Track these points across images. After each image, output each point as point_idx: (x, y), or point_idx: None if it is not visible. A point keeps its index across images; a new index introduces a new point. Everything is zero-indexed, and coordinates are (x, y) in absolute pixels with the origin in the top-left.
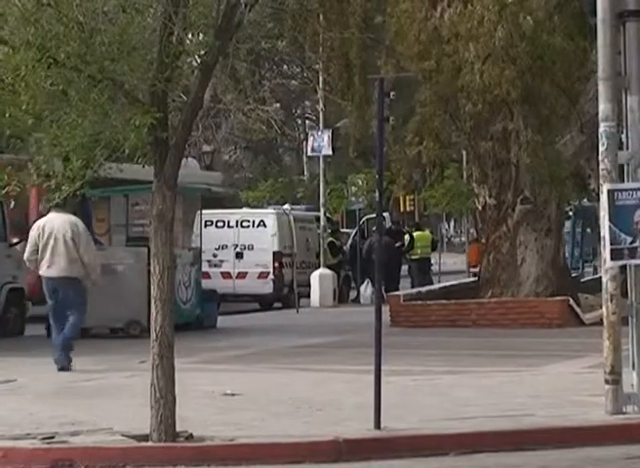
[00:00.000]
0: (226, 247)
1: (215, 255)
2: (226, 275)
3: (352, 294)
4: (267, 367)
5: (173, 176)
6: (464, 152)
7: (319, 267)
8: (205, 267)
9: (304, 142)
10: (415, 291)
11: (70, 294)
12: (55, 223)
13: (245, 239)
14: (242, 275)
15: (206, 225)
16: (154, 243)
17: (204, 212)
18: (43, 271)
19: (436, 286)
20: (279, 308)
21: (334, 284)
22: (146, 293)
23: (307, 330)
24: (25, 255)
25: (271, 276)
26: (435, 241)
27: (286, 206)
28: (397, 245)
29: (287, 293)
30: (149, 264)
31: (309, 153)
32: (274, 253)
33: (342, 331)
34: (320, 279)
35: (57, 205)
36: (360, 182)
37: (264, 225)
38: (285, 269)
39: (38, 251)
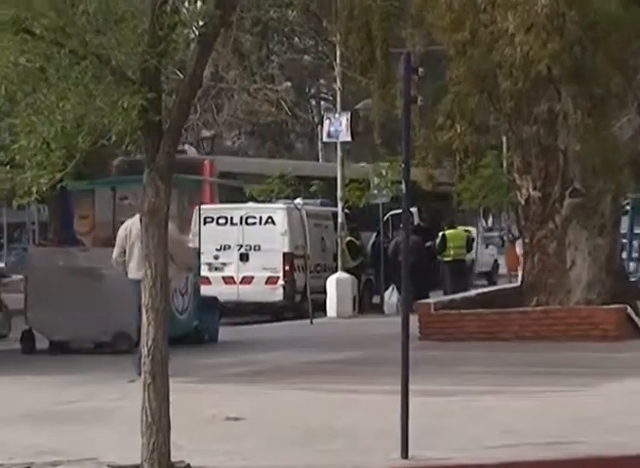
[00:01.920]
0: (229, 247)
1: (216, 257)
2: (229, 280)
3: (375, 302)
4: (276, 387)
5: (167, 166)
6: (504, 138)
7: (336, 271)
8: (204, 271)
9: (319, 127)
10: (448, 298)
11: (138, 297)
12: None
13: (250, 238)
14: (247, 280)
15: (205, 222)
16: (146, 243)
17: (203, 207)
18: (130, 273)
19: (473, 292)
20: (290, 319)
21: (353, 290)
22: (137, 302)
23: (323, 343)
24: (113, 257)
25: (281, 281)
26: (471, 240)
27: (298, 200)
28: (427, 245)
29: (299, 302)
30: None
31: (325, 139)
32: (284, 254)
33: (364, 346)
34: (338, 284)
35: None
36: (384, 172)
37: (273, 222)
38: (297, 273)
39: (125, 252)
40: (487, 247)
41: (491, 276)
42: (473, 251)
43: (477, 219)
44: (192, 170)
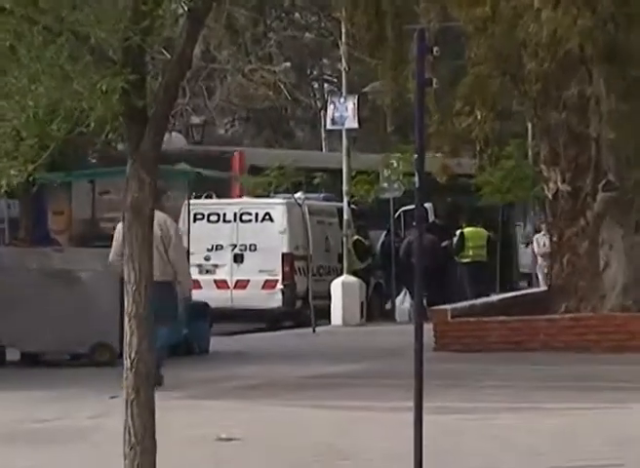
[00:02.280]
0: (222, 247)
1: (207, 259)
2: (222, 284)
3: (386, 308)
4: (274, 403)
5: (152, 157)
6: (529, 125)
7: (342, 274)
8: (194, 274)
9: (322, 112)
10: (466, 304)
11: (157, 301)
12: None
13: (246, 237)
14: (242, 284)
15: (195, 219)
16: (129, 242)
17: (193, 202)
18: None
19: (494, 297)
20: (290, 327)
21: (361, 295)
22: (119, 309)
23: (327, 355)
24: (110, 259)
25: (280, 285)
26: (493, 240)
27: (299, 194)
28: (443, 244)
29: (300, 308)
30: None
31: (329, 126)
32: (284, 255)
33: (372, 357)
34: (344, 289)
35: None
36: (395, 163)
37: (271, 219)
38: (298, 276)
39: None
40: (527, 246)
41: (532, 278)
42: (517, 250)
43: (524, 215)
44: (219, 163)
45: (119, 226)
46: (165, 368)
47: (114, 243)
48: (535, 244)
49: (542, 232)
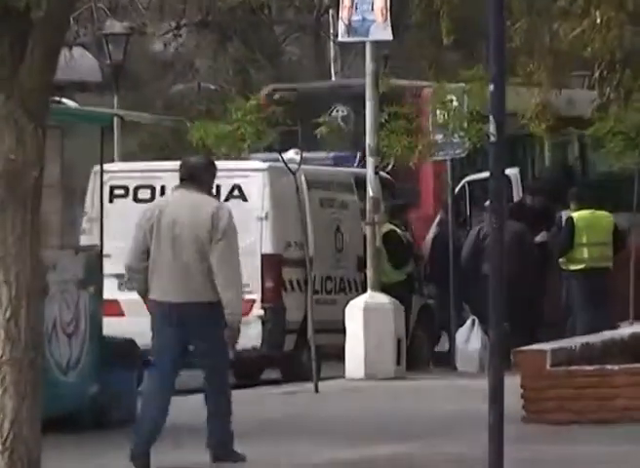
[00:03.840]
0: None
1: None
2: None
3: (440, 349)
4: None
5: (39, 88)
6: None
7: (365, 290)
8: (111, 290)
9: (329, 14)
10: (578, 342)
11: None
12: None
13: None
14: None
15: (112, 198)
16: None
17: (109, 167)
18: (155, 294)
19: (626, 331)
20: (276, 382)
21: (398, 327)
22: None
23: (338, 433)
24: (127, 263)
25: (258, 310)
26: (624, 232)
27: (291, 153)
28: (538, 239)
29: (293, 349)
30: None
31: (342, 38)
32: (265, 257)
33: (413, 435)
34: (367, 316)
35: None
36: (455, 100)
37: (242, 196)
38: (289, 294)
39: (149, 257)
40: None
41: None
42: None
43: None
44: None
45: (141, 216)
46: (49, 451)
47: (132, 242)
48: None
49: None
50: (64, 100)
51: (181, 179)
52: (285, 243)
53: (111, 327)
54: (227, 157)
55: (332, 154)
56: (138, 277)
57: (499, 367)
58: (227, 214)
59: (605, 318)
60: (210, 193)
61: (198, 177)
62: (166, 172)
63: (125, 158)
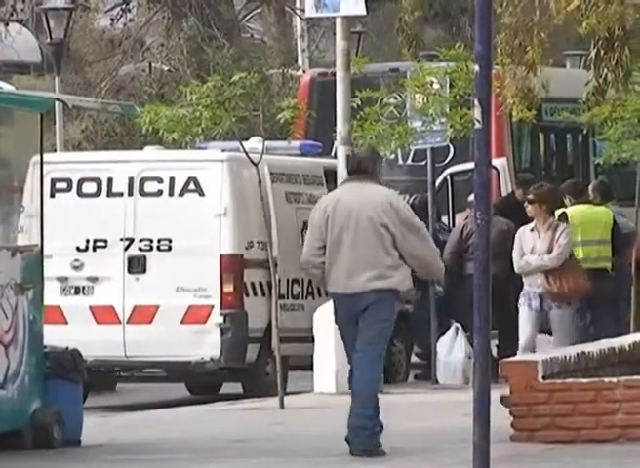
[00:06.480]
0: (105, 245)
1: (76, 267)
2: (105, 315)
3: (418, 360)
4: None
5: None
6: None
7: None
8: (52, 294)
9: None
10: (572, 352)
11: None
12: None
13: (151, 225)
14: (143, 314)
15: (54, 192)
16: None
17: (50, 158)
18: (333, 287)
19: (625, 340)
20: (236, 397)
21: None
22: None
23: (304, 451)
24: (304, 257)
25: (217, 317)
26: (623, 230)
27: (252, 141)
28: None
29: (256, 361)
30: None
31: (310, 12)
32: (224, 258)
33: (391, 454)
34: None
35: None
36: (435, 83)
37: (199, 190)
38: (251, 300)
39: (326, 250)
40: None
41: None
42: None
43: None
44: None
45: (314, 211)
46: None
47: (307, 236)
48: None
49: None
50: None
51: (350, 172)
52: (246, 242)
53: (53, 335)
54: (182, 147)
55: (298, 144)
56: (316, 272)
57: (483, 380)
58: (404, 202)
59: (603, 327)
60: (379, 182)
61: (367, 168)
62: (114, 163)
63: (68, 148)
